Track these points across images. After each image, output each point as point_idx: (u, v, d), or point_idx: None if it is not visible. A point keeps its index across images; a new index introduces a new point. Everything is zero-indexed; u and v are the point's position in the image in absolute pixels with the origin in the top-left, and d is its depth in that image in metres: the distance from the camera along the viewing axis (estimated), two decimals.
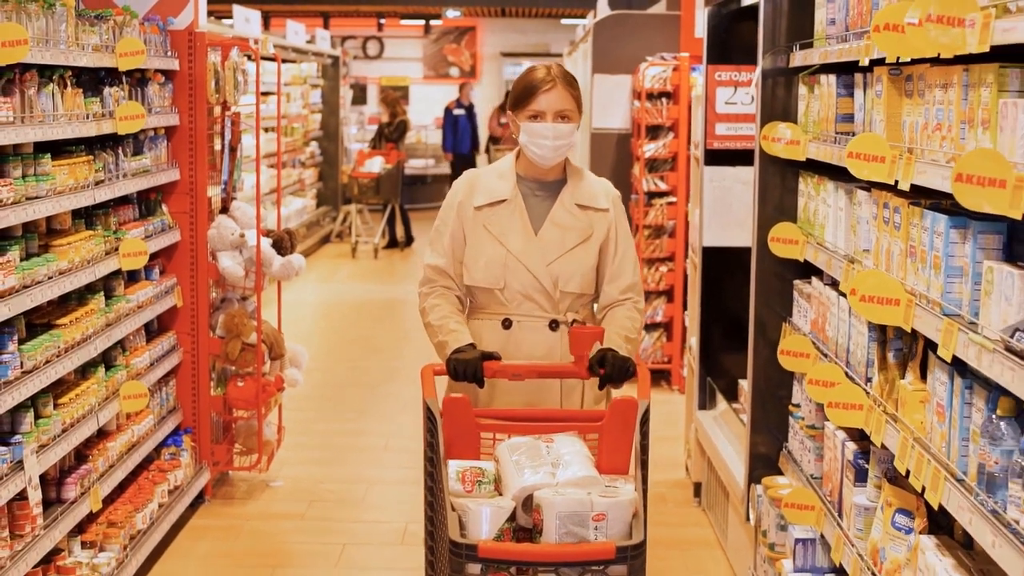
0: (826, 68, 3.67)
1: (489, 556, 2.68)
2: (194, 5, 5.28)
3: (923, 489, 2.68)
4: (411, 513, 5.39)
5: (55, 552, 4.07)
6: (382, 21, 21.55)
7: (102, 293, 4.54)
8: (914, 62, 2.84)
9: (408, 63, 21.92)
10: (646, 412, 3.02)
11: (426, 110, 20.50)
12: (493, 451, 3.10)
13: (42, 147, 4.04)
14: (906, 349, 3.02)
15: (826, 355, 3.60)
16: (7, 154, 3.82)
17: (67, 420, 4.11)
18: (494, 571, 2.73)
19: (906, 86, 2.93)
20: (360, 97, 20.55)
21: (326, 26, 19.37)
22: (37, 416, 3.92)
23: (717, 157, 5.46)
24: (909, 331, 2.85)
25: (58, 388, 4.15)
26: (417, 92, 21.56)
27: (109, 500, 4.60)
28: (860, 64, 3.17)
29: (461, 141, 17.35)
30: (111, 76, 4.65)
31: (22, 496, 3.74)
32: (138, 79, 4.94)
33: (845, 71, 3.50)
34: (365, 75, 21.20)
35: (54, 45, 4.01)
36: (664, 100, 7.78)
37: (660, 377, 7.76)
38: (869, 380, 3.21)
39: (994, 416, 2.36)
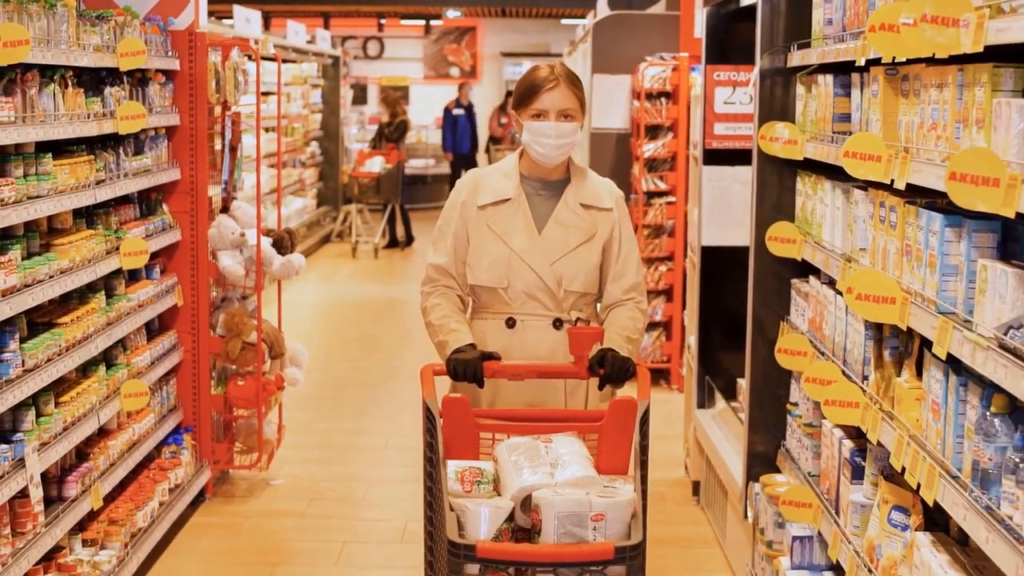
0: (823, 68, 3.69)
1: (487, 556, 2.67)
2: (195, 5, 5.30)
3: (918, 486, 2.70)
4: (411, 511, 5.41)
5: (56, 550, 4.09)
6: (382, 21, 21.57)
7: (103, 292, 4.55)
8: (910, 62, 2.85)
9: (408, 63, 21.94)
10: (646, 412, 3.02)
11: (426, 110, 20.52)
12: (492, 451, 3.10)
13: (43, 147, 4.06)
14: (902, 347, 3.04)
15: (823, 353, 3.61)
16: (9, 154, 3.83)
17: (68, 418, 4.13)
18: (492, 571, 2.72)
19: (902, 86, 2.95)
20: (360, 97, 20.57)
21: (326, 26, 19.39)
22: (38, 414, 3.93)
23: (716, 157, 5.48)
24: (905, 329, 2.87)
25: (59, 386, 4.17)
26: (417, 92, 21.59)
27: (110, 498, 4.62)
28: (857, 64, 3.19)
29: (461, 141, 17.39)
30: (112, 76, 4.67)
31: (23, 494, 3.76)
32: (139, 79, 4.96)
33: (842, 71, 3.52)
34: (365, 75, 21.23)
35: (55, 45, 4.02)
36: (663, 100, 7.80)
37: (659, 376, 7.80)
38: (866, 378, 3.23)
39: (988, 413, 2.38)
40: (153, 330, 5.27)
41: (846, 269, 3.34)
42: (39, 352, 3.88)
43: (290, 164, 13.39)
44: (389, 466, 6.23)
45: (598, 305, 3.59)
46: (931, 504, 2.65)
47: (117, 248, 4.62)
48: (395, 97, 14.67)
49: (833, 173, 3.60)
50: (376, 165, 13.79)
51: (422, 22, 21.51)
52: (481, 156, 18.56)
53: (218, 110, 5.63)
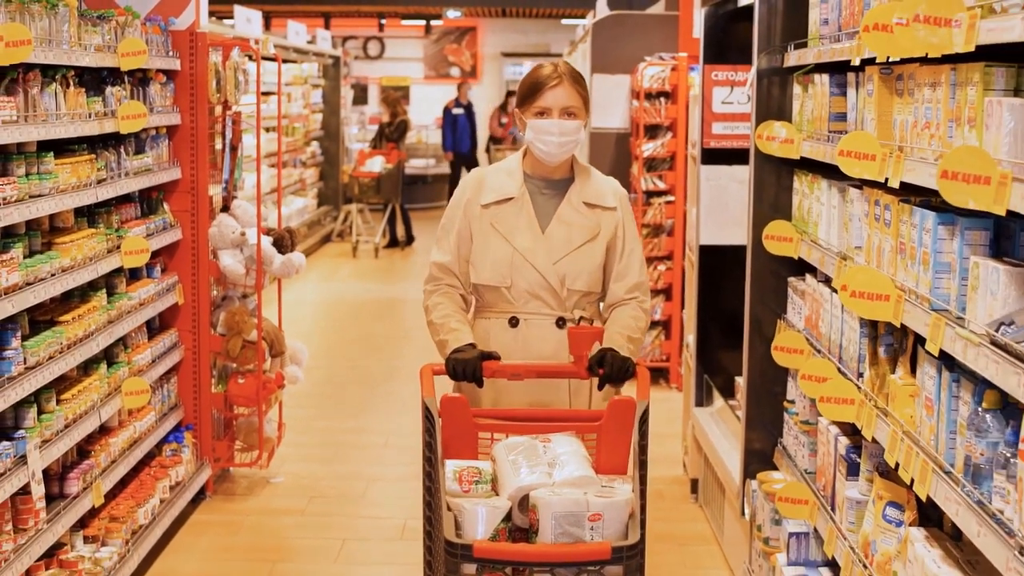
0: (820, 68, 3.71)
1: (484, 556, 2.68)
2: (195, 5, 5.32)
3: (912, 481, 2.72)
4: (410, 509, 5.43)
5: (58, 546, 4.12)
6: (383, 21, 21.60)
7: (104, 290, 4.58)
8: (904, 61, 2.88)
9: (409, 63, 21.97)
10: (645, 412, 3.02)
11: (427, 110, 20.54)
12: (490, 451, 3.11)
13: (45, 146, 4.08)
14: (896, 344, 3.06)
15: (819, 351, 3.64)
16: (11, 153, 3.86)
17: (69, 416, 4.15)
18: (489, 571, 2.73)
19: (897, 85, 2.98)
20: (361, 97, 20.60)
21: (327, 26, 19.42)
22: (40, 411, 3.96)
23: (714, 156, 5.50)
24: (899, 326, 2.89)
25: (61, 384, 4.20)
26: (418, 92, 21.62)
27: (111, 495, 4.65)
28: (852, 64, 3.22)
29: (461, 140, 17.43)
30: (113, 76, 4.69)
31: (25, 490, 3.78)
32: (140, 79, 4.98)
33: (838, 70, 3.54)
34: (366, 75, 21.26)
35: (57, 45, 4.05)
36: (662, 100, 7.82)
37: (659, 375, 7.82)
38: (861, 375, 3.26)
39: (980, 409, 2.40)
40: (154, 328, 5.30)
41: (842, 267, 3.36)
42: (41, 350, 3.91)
43: (291, 164, 13.42)
44: (389, 464, 6.26)
45: (601, 304, 3.59)
46: (924, 500, 2.67)
47: (118, 247, 4.64)
48: (395, 97, 14.69)
49: (830, 172, 3.62)
50: (376, 165, 13.81)
51: (422, 22, 21.54)
52: (481, 156, 18.58)
53: (219, 110, 5.65)
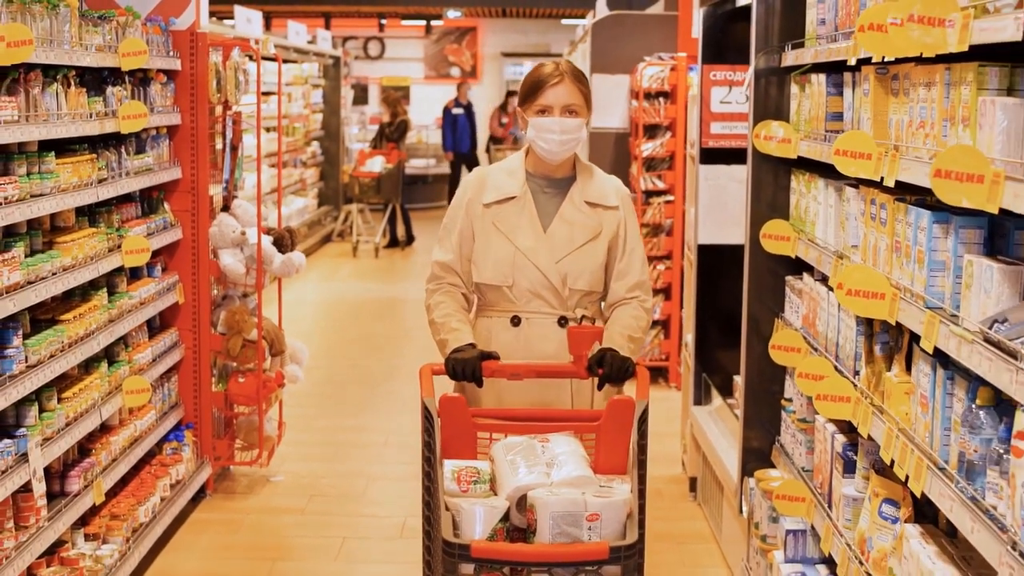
0: (817, 67, 3.73)
1: (482, 556, 2.69)
2: (196, 6, 5.34)
3: (907, 478, 2.74)
4: (410, 508, 5.45)
5: (59, 544, 4.14)
6: (383, 22, 21.62)
7: (105, 289, 4.60)
8: (900, 61, 2.90)
9: (409, 63, 21.99)
10: (644, 412, 3.01)
11: (427, 110, 20.56)
12: (489, 451, 3.11)
13: (46, 145, 4.10)
14: (892, 342, 3.08)
15: (816, 349, 3.65)
16: (12, 152, 3.88)
17: (70, 414, 4.17)
18: (487, 571, 2.73)
19: (892, 85, 3.00)
20: (361, 97, 20.62)
21: (327, 26, 19.44)
22: (41, 410, 3.98)
23: (712, 156, 5.51)
24: (894, 324, 2.91)
25: (62, 382, 4.21)
26: (418, 92, 21.64)
27: (112, 493, 4.67)
28: (849, 64, 3.23)
29: (461, 140, 17.46)
30: (114, 76, 4.71)
31: (26, 488, 3.80)
32: (140, 79, 5.00)
33: (835, 70, 3.56)
34: (366, 75, 21.28)
35: (58, 45, 4.07)
36: (662, 99, 7.84)
37: (658, 374, 7.84)
38: (857, 373, 3.27)
39: (974, 406, 2.42)
40: (154, 327, 5.32)
41: (838, 266, 3.37)
42: (42, 348, 3.93)
43: (291, 164, 13.43)
44: (389, 463, 6.28)
45: (603, 303, 3.58)
46: (919, 496, 2.69)
47: (119, 246, 4.66)
48: (396, 97, 14.71)
49: (827, 171, 3.63)
50: (377, 165, 13.83)
51: (423, 22, 21.56)
52: (481, 156, 18.59)
53: (219, 110, 5.67)
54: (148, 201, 5.21)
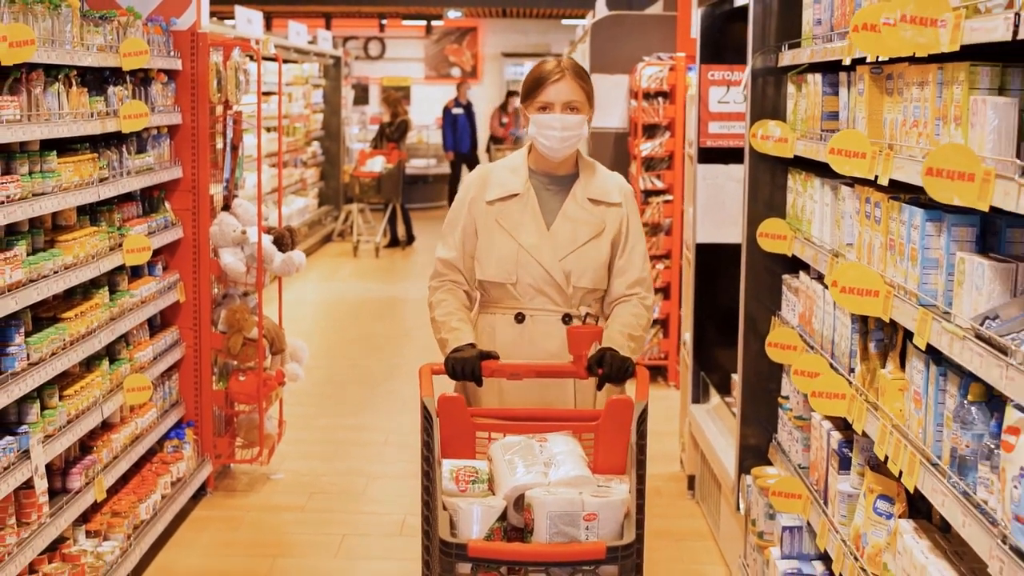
0: (813, 67, 3.75)
1: (479, 555, 2.69)
2: (196, 6, 5.36)
3: (900, 473, 2.77)
4: (410, 506, 5.47)
5: (60, 540, 4.16)
6: (384, 22, 21.65)
7: (106, 288, 4.62)
8: (893, 61, 2.92)
9: (409, 63, 22.02)
10: (643, 412, 3.01)
11: (427, 110, 20.59)
12: (487, 450, 3.12)
13: (48, 145, 4.13)
14: (887, 340, 3.11)
15: (812, 347, 3.68)
16: (14, 151, 3.90)
17: (72, 411, 4.19)
18: (484, 571, 2.74)
19: (887, 84, 3.02)
20: (362, 97, 20.65)
21: (328, 27, 19.47)
22: (43, 407, 4.00)
23: (710, 155, 5.53)
24: (888, 321, 2.93)
25: (63, 380, 4.24)
26: (418, 92, 21.66)
27: (113, 491, 4.69)
28: (844, 63, 3.26)
29: (461, 140, 17.49)
30: (115, 76, 4.73)
31: (28, 485, 3.82)
32: (141, 78, 5.03)
33: (830, 70, 3.58)
34: (367, 75, 21.31)
35: (60, 45, 4.09)
36: (661, 99, 7.86)
37: (657, 373, 7.86)
38: (852, 370, 3.30)
39: (965, 401, 2.45)
40: (155, 326, 5.34)
41: (834, 264, 3.40)
42: (44, 346, 3.95)
43: (292, 164, 13.45)
44: (389, 462, 6.30)
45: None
46: (912, 491, 2.72)
47: (120, 245, 4.69)
48: (396, 97, 14.74)
49: (823, 170, 3.65)
50: (377, 165, 13.85)
51: (423, 22, 21.59)
52: (482, 156, 18.61)
53: (220, 109, 5.70)
54: (149, 200, 5.24)
